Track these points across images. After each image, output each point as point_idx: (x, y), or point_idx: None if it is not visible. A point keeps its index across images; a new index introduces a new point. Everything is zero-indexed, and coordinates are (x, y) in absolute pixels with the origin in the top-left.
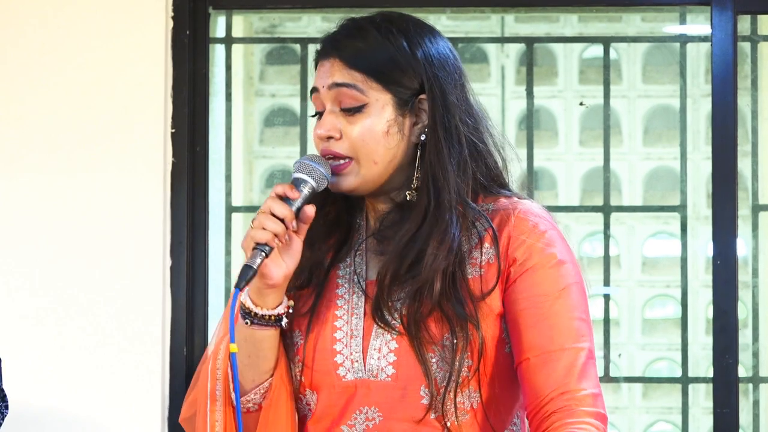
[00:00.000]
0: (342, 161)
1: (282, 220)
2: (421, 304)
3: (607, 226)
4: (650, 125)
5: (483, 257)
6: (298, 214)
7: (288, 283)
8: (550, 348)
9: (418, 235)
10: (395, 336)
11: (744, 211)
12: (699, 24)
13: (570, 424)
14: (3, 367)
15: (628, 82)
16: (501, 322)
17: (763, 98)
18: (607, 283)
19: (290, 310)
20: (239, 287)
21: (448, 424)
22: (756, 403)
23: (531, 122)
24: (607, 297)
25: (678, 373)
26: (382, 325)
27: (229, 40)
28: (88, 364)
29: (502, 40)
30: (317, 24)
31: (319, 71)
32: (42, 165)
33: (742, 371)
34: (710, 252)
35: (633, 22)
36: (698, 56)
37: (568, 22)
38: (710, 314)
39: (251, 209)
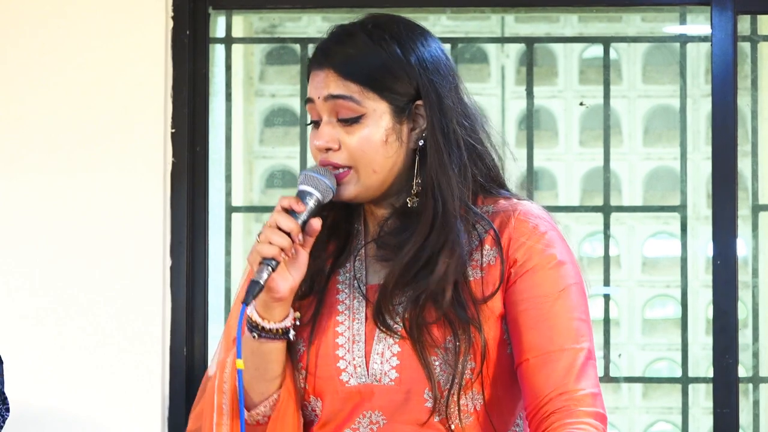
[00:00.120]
0: (341, 170)
1: (288, 234)
2: (423, 310)
3: (607, 226)
4: (650, 125)
5: (484, 259)
6: (303, 227)
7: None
8: (549, 349)
9: (427, 245)
10: (397, 340)
11: (744, 211)
12: (699, 24)
13: (569, 425)
14: (4, 368)
15: (628, 82)
16: (502, 324)
17: (763, 98)
18: (607, 283)
19: (297, 322)
20: (247, 302)
21: (452, 426)
22: (756, 403)
23: (531, 122)
24: (607, 297)
25: (678, 373)
26: (384, 329)
27: (229, 40)
28: (88, 364)
29: (502, 40)
30: (317, 24)
31: (313, 81)
32: (42, 165)
33: (742, 371)
34: (710, 252)
35: (633, 22)
36: (698, 56)
37: (568, 22)
38: (710, 314)
39: (251, 209)
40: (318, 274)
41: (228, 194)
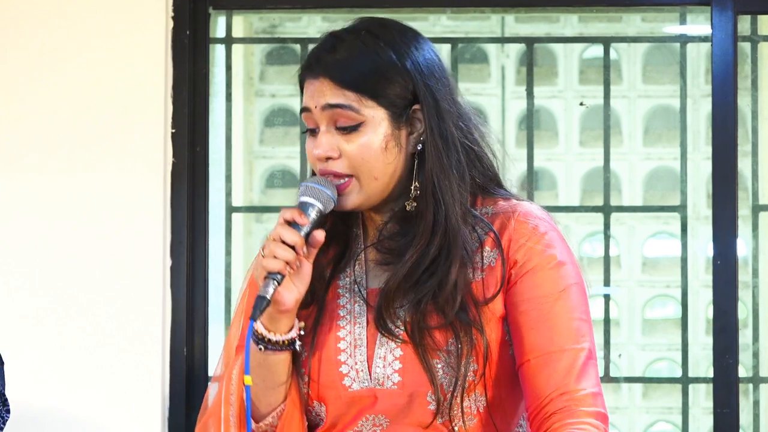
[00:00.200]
0: (343, 180)
1: (292, 247)
2: (425, 313)
3: (607, 226)
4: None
5: (484, 261)
6: (307, 239)
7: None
8: (550, 349)
9: (428, 249)
10: (399, 344)
11: (744, 211)
12: (699, 24)
13: (570, 425)
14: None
15: (629, 83)
16: (503, 325)
17: (763, 98)
18: (607, 283)
19: (302, 332)
20: (254, 318)
21: (456, 428)
22: (756, 404)
23: (531, 122)
24: (607, 297)
25: (678, 374)
26: (385, 333)
27: (229, 41)
28: (88, 364)
29: (503, 40)
30: (317, 24)
31: (309, 90)
32: (42, 165)
33: (743, 371)
34: (710, 252)
35: (633, 23)
36: (698, 56)
37: (569, 23)
38: (710, 314)
39: (251, 209)
40: (318, 280)
41: (228, 194)
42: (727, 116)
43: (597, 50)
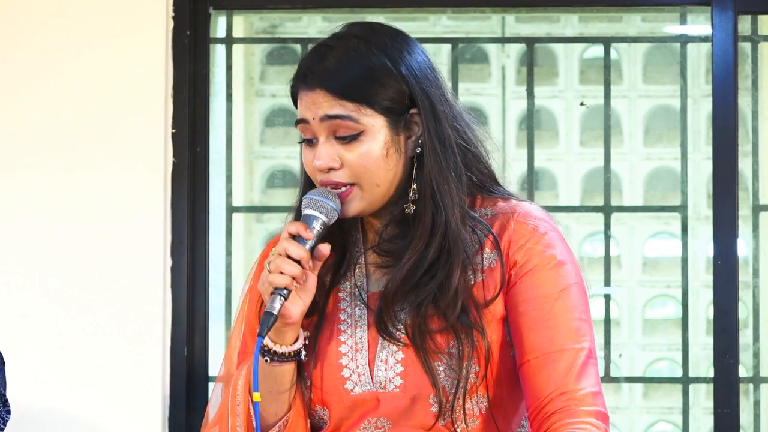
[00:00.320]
0: (344, 188)
1: (298, 262)
2: (426, 316)
3: (607, 226)
4: (651, 125)
5: (484, 263)
6: (312, 252)
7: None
8: (550, 349)
9: (427, 251)
10: (401, 347)
11: (744, 211)
12: (699, 24)
13: (570, 425)
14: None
15: (629, 83)
16: (504, 326)
17: (763, 98)
18: (607, 283)
19: (306, 342)
20: (262, 335)
21: (458, 430)
22: (756, 404)
23: (531, 122)
24: (607, 297)
25: (678, 374)
26: (386, 337)
27: (229, 41)
28: (88, 364)
29: (503, 40)
30: (318, 24)
31: (304, 102)
32: (42, 165)
33: (743, 371)
34: (711, 252)
35: (633, 23)
36: (699, 56)
37: (569, 23)
38: (711, 314)
39: (252, 209)
40: (319, 287)
41: (228, 194)
42: (727, 116)
43: (597, 50)
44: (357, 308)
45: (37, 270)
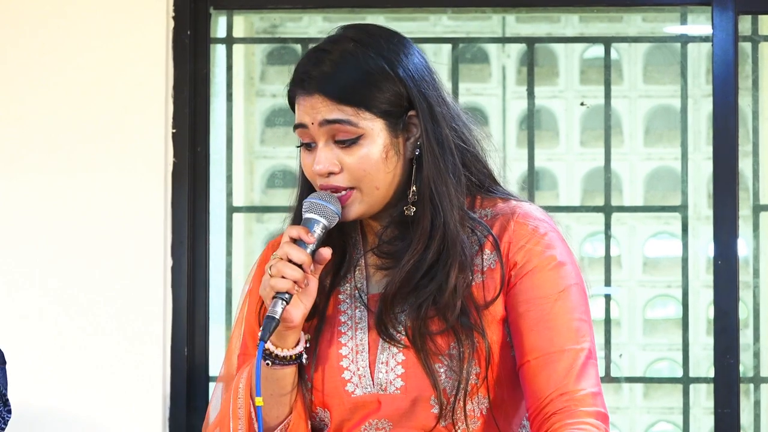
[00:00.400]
0: (344, 192)
1: (300, 266)
2: (426, 318)
3: (608, 226)
4: (651, 125)
5: (484, 264)
6: (313, 256)
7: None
8: (549, 350)
9: (426, 253)
10: (401, 348)
11: (745, 211)
12: (700, 24)
13: (570, 425)
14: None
15: (629, 83)
16: (504, 327)
17: (763, 98)
18: (608, 283)
19: (308, 345)
20: (264, 340)
21: (459, 431)
22: (757, 404)
23: (532, 122)
24: (608, 297)
25: (679, 374)
26: (387, 339)
27: (230, 41)
28: (88, 364)
29: (503, 40)
30: (318, 24)
31: (302, 107)
32: (42, 165)
33: (743, 371)
34: (711, 252)
35: (634, 23)
36: (699, 56)
37: (569, 23)
38: (711, 314)
39: (252, 209)
40: (320, 290)
41: (229, 194)
42: (727, 116)
43: (598, 50)
44: (357, 310)
45: (37, 270)
